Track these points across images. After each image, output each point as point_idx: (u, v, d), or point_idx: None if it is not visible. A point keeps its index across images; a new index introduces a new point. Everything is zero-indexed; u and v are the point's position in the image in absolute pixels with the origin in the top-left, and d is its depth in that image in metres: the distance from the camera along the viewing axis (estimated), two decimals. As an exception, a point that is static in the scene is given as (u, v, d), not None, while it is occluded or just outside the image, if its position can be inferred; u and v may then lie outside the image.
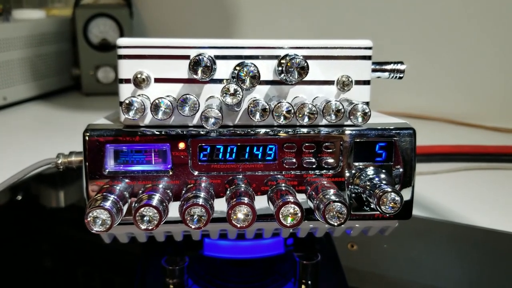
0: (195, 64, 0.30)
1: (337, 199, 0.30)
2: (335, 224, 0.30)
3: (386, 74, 0.36)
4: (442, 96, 0.99)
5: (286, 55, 0.32)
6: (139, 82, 0.32)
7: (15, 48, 1.04)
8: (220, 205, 0.33)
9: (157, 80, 0.32)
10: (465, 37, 0.95)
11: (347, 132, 0.33)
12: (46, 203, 0.62)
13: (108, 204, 0.29)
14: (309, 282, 0.42)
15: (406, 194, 0.34)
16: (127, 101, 0.30)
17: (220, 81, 0.33)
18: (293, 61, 0.31)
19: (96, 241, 0.38)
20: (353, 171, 0.34)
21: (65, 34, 1.18)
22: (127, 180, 0.32)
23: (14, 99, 1.05)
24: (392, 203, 0.30)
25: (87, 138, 0.32)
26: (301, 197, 0.33)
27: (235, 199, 0.30)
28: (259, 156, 0.33)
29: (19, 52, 1.05)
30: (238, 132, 0.33)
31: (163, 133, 0.32)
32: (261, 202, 0.33)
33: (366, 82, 0.34)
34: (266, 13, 1.11)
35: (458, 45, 0.96)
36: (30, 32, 1.07)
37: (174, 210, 0.32)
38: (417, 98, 0.99)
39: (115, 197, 0.30)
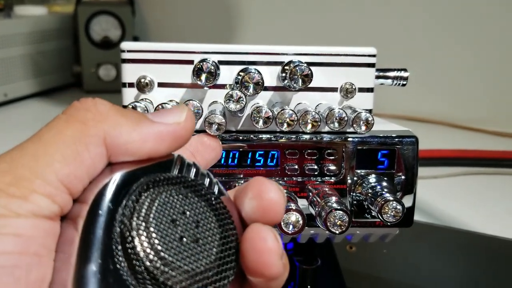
0: (199, 70, 0.30)
1: (339, 207, 0.30)
2: (337, 232, 0.30)
3: (389, 81, 0.36)
4: (443, 100, 0.99)
5: (290, 62, 0.32)
6: (142, 86, 0.32)
7: (16, 44, 1.04)
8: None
9: (161, 85, 0.32)
10: (467, 41, 0.95)
11: (350, 139, 0.33)
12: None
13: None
14: (309, 286, 0.42)
15: (407, 201, 0.34)
16: (130, 107, 0.30)
17: (223, 86, 0.33)
18: (297, 68, 0.31)
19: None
20: (355, 178, 0.34)
21: (67, 31, 1.18)
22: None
23: (15, 96, 1.05)
24: (393, 212, 0.30)
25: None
26: (302, 203, 0.33)
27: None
28: (261, 162, 0.33)
29: (20, 49, 1.05)
30: (240, 137, 0.33)
31: (165, 137, 0.32)
32: (263, 208, 0.33)
33: (370, 90, 0.34)
34: (268, 13, 1.11)
35: (460, 49, 0.96)
36: (31, 28, 1.07)
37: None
38: (419, 102, 0.99)
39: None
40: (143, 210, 0.19)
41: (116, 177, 0.19)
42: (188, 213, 0.20)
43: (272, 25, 1.11)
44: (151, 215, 0.19)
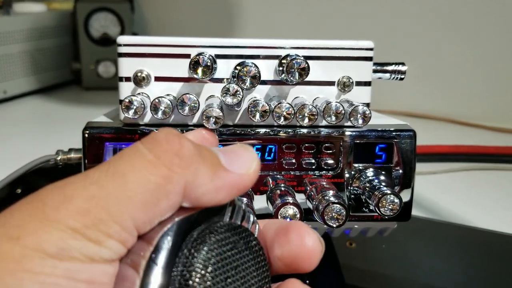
0: (195, 64, 0.30)
1: (336, 201, 0.30)
2: (334, 225, 0.30)
3: (387, 75, 0.36)
4: (442, 95, 0.99)
5: (287, 56, 0.32)
6: (139, 80, 0.32)
7: (16, 41, 1.03)
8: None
9: (157, 79, 0.32)
10: (466, 37, 0.94)
11: (347, 133, 0.33)
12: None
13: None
14: (307, 281, 0.42)
15: (405, 195, 0.34)
16: (127, 100, 0.30)
17: (220, 80, 0.33)
18: (294, 61, 0.31)
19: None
20: (353, 172, 0.34)
21: (66, 28, 1.18)
22: (126, 179, 0.32)
23: (14, 93, 1.05)
24: (391, 206, 0.30)
25: (86, 135, 0.32)
26: (300, 197, 0.33)
27: (234, 199, 0.30)
28: (259, 156, 0.33)
29: (19, 46, 1.04)
30: (238, 131, 0.33)
31: (162, 132, 0.32)
32: (260, 202, 0.33)
33: (367, 83, 0.34)
34: (267, 9, 1.11)
35: (459, 45, 0.95)
36: (30, 25, 1.06)
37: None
38: (418, 98, 0.99)
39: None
40: (202, 266, 0.19)
41: (179, 223, 0.20)
42: (238, 268, 0.21)
43: (270, 19, 1.10)
44: (209, 272, 0.19)
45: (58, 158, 0.38)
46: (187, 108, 0.30)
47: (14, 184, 0.59)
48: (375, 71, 0.35)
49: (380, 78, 0.36)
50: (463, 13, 0.93)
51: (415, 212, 0.35)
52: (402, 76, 0.36)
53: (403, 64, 0.36)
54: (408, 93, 0.98)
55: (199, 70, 0.30)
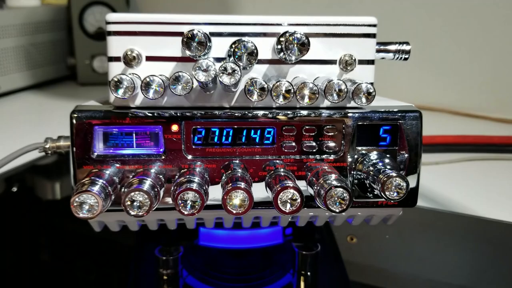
0: (188, 40, 0.28)
1: (338, 184, 0.28)
2: (337, 210, 0.28)
3: (391, 54, 0.34)
4: (446, 87, 0.98)
5: (286, 32, 0.30)
6: (129, 60, 0.30)
7: (10, 36, 1.02)
8: (216, 192, 0.31)
9: (149, 58, 0.31)
10: (470, 27, 0.93)
11: (350, 114, 0.32)
12: (41, 194, 0.61)
13: (96, 188, 0.27)
14: (308, 273, 0.40)
15: (411, 181, 0.33)
16: (115, 79, 0.28)
17: (217, 60, 0.31)
18: (293, 37, 0.29)
19: (90, 232, 0.37)
20: (356, 156, 0.32)
21: (61, 22, 1.16)
22: (117, 164, 0.31)
23: (9, 88, 1.04)
24: (397, 189, 0.29)
25: (74, 120, 0.30)
26: (301, 184, 0.31)
27: (230, 184, 0.28)
28: (257, 140, 0.32)
29: (13, 40, 1.03)
30: (234, 114, 0.31)
31: (155, 114, 0.30)
32: (259, 189, 0.31)
33: (370, 62, 0.32)
34: None
35: (463, 36, 0.94)
36: (25, 20, 1.05)
37: (167, 196, 0.30)
38: (422, 89, 0.98)
39: (104, 181, 0.28)
40: None
41: None
42: None
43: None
44: None
45: (47, 146, 0.37)
46: (179, 87, 0.28)
47: (10, 181, 0.58)
48: (378, 51, 0.33)
49: (383, 58, 0.34)
50: (468, 3, 0.92)
51: (418, 202, 0.33)
52: (406, 56, 0.34)
53: (407, 43, 0.34)
54: (411, 84, 0.97)
55: (192, 47, 0.28)
